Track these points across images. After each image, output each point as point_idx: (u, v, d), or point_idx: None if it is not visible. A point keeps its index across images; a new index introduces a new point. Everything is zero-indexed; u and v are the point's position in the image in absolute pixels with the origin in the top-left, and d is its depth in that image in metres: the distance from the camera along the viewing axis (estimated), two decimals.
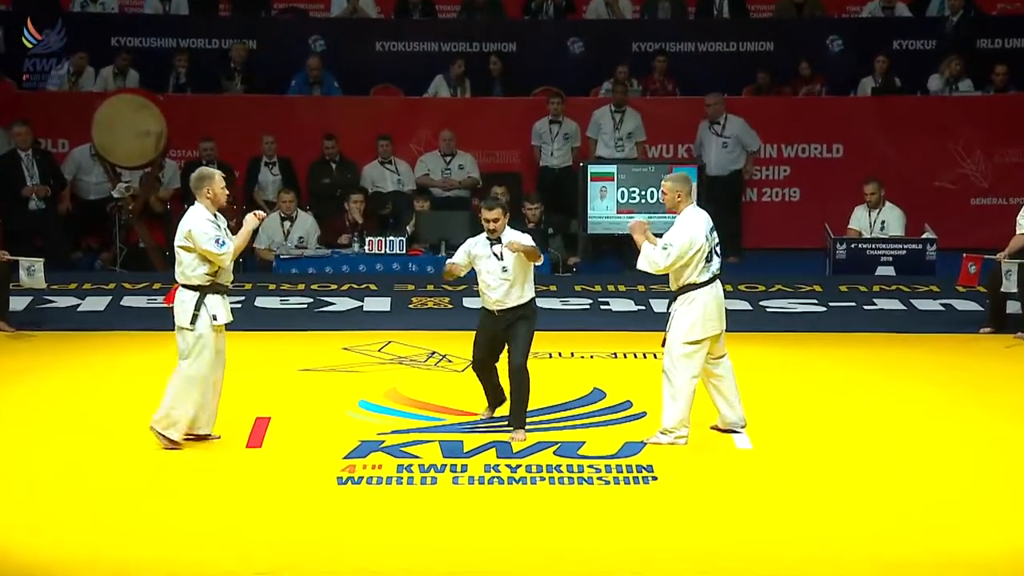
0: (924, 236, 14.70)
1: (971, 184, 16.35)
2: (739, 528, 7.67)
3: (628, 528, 7.69)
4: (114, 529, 7.62)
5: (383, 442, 9.00)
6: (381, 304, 13.23)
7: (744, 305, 13.13)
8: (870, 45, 17.03)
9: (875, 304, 13.27)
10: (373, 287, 13.88)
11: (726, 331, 9.03)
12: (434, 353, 11.30)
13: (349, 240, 14.68)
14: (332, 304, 13.20)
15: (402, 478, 8.38)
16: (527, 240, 9.11)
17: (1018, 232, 12.07)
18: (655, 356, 10.64)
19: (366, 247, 14.54)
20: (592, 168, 15.13)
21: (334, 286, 13.89)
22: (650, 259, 8.77)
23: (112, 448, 8.94)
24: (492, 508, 8.00)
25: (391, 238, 14.54)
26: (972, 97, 16.55)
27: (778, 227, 16.26)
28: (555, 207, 15.35)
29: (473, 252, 9.37)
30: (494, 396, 9.51)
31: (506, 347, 9.31)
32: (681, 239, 8.70)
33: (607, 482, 8.35)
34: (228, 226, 14.63)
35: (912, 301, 13.33)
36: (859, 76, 16.93)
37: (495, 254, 9.27)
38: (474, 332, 9.43)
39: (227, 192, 8.97)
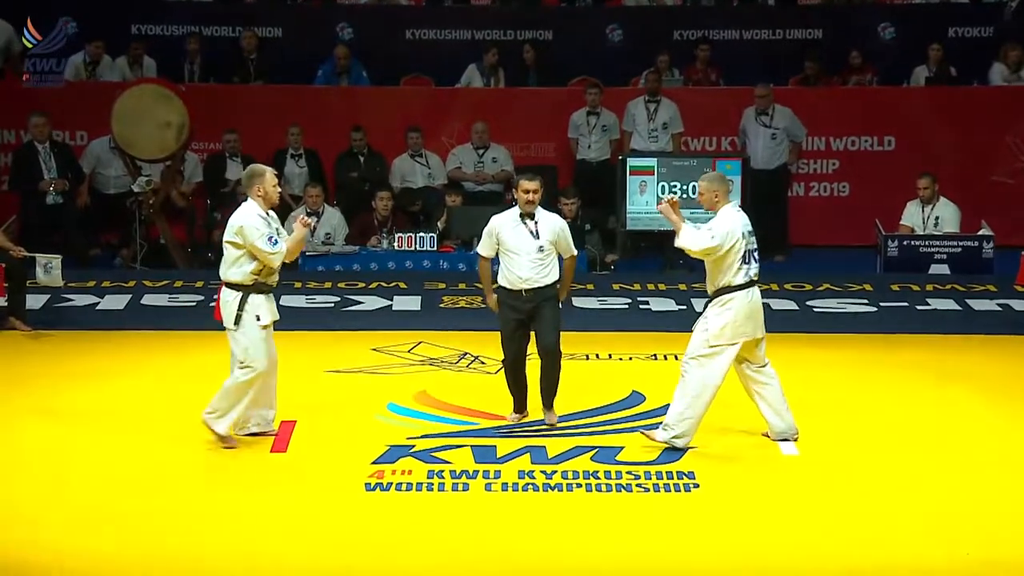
0: (981, 233, 14.63)
1: None
2: (784, 539, 7.66)
3: (668, 538, 7.69)
4: (132, 536, 7.66)
5: (413, 447, 9.03)
6: (411, 303, 13.26)
7: (791, 305, 13.10)
8: (924, 33, 16.97)
9: (928, 304, 13.21)
10: (403, 285, 13.91)
11: (768, 333, 9.01)
12: (466, 354, 11.33)
13: (378, 241, 14.71)
14: (360, 303, 13.23)
15: (433, 484, 8.40)
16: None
17: None
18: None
19: (395, 244, 14.58)
20: (631, 161, 15.12)
21: (362, 284, 13.92)
22: (694, 237, 8.76)
23: (131, 451, 8.99)
24: (526, 516, 8.01)
25: (421, 234, 14.57)
26: None
27: (826, 223, 16.21)
28: (592, 202, 15.36)
29: (501, 233, 9.38)
30: (522, 397, 9.55)
31: (534, 332, 9.37)
32: (722, 228, 8.73)
33: (646, 489, 8.35)
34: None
35: (968, 301, 13.26)
36: (912, 65, 16.86)
37: (531, 231, 9.31)
38: (499, 329, 9.45)
39: (279, 190, 9.02)
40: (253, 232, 8.79)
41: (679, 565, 7.37)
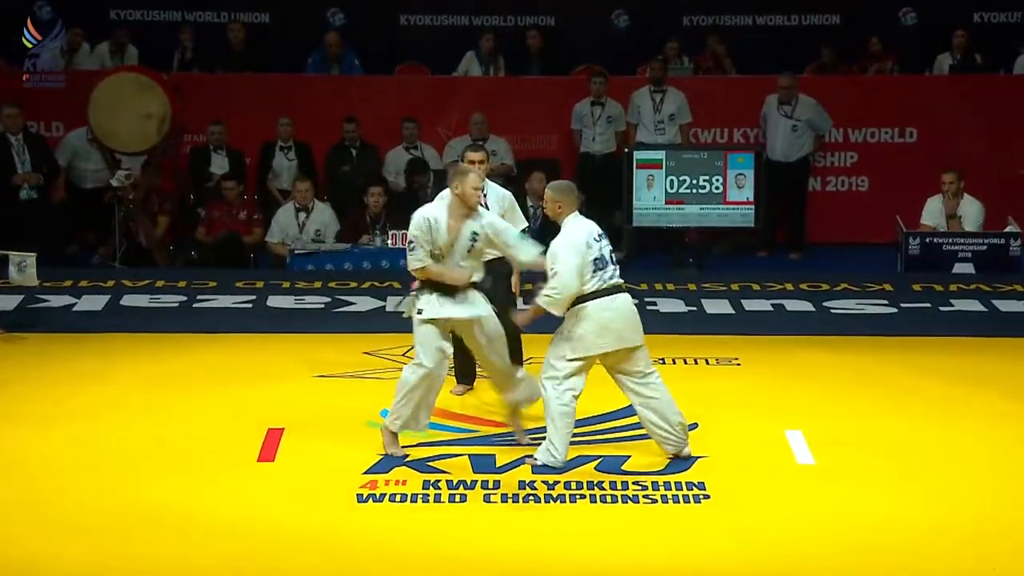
0: (1008, 230, 14.62)
1: None
2: (800, 553, 7.65)
3: (677, 552, 7.68)
4: (110, 547, 7.65)
5: (407, 455, 9.02)
6: (406, 304, 13.23)
7: (806, 306, 13.10)
8: (947, 18, 17.00)
9: (952, 305, 13.21)
10: (397, 285, 13.88)
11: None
12: None
13: (371, 238, 14.71)
14: (352, 304, 13.23)
15: (428, 495, 8.39)
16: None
17: None
18: (707, 362, 10.64)
19: (389, 241, 14.57)
20: (638, 155, 15.13)
21: (354, 284, 13.92)
22: (549, 301, 8.67)
23: (109, 459, 8.98)
24: (528, 528, 8.00)
25: None
26: None
27: (844, 220, 16.22)
28: (597, 197, 15.30)
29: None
30: (466, 365, 9.92)
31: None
32: (562, 264, 8.61)
33: (654, 500, 8.34)
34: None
35: (994, 302, 13.25)
36: (935, 53, 16.87)
37: (480, 203, 9.49)
38: None
39: (479, 194, 9.01)
40: (410, 233, 8.90)
41: None
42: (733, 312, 12.79)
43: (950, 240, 14.54)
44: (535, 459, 8.82)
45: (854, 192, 16.49)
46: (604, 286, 8.70)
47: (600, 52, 17.07)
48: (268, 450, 9.17)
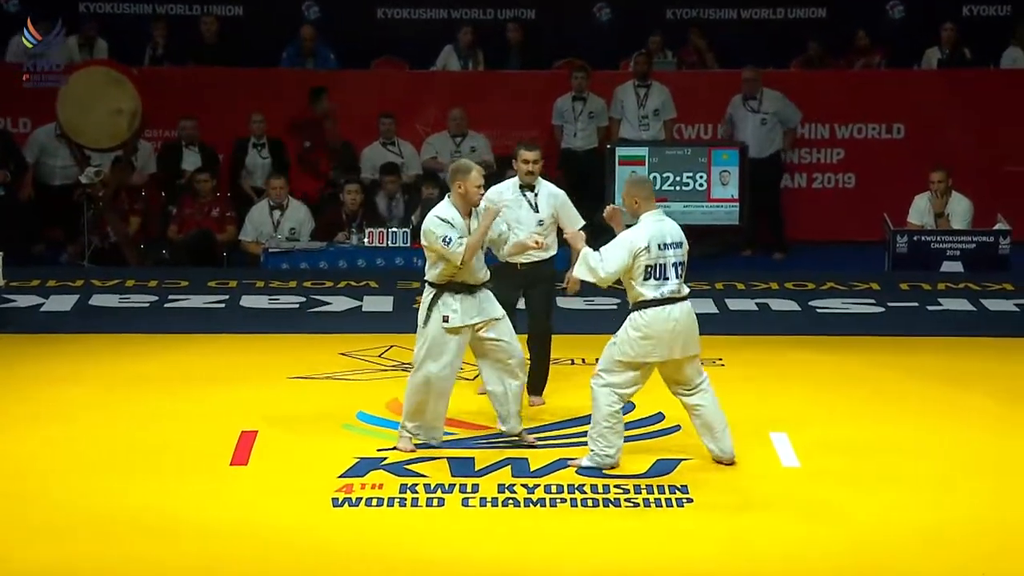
0: (996, 227, 14.67)
1: None
2: (784, 555, 7.67)
3: (660, 557, 7.69)
4: (77, 551, 7.64)
5: (384, 459, 9.02)
6: (382, 304, 13.25)
7: (792, 305, 13.13)
8: (936, 11, 17.04)
9: (940, 304, 13.25)
10: (373, 284, 13.91)
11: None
12: None
13: (346, 236, 14.71)
14: (327, 304, 13.22)
15: (405, 499, 8.40)
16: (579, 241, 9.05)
17: None
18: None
19: (366, 239, 14.57)
20: (620, 151, 15.15)
21: (329, 283, 13.91)
22: (585, 269, 8.78)
23: (77, 462, 8.97)
24: (507, 533, 8.01)
25: (394, 229, 14.56)
26: None
27: (830, 217, 16.26)
28: (579, 194, 15.25)
29: (501, 202, 9.57)
30: None
31: (527, 314, 9.67)
32: (615, 254, 8.66)
33: (636, 504, 8.35)
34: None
35: (983, 301, 13.30)
36: (923, 47, 16.92)
37: (530, 204, 9.55)
38: None
39: (482, 192, 9.06)
40: (430, 235, 8.91)
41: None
42: (717, 311, 12.82)
43: (938, 238, 14.59)
44: (579, 462, 8.80)
45: (841, 189, 16.52)
46: (661, 296, 8.68)
47: (582, 46, 17.08)
48: (241, 453, 9.17)
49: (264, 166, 15.69)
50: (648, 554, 7.71)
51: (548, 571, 7.55)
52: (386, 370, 11.10)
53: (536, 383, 9.92)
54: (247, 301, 13.27)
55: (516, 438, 9.22)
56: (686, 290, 8.80)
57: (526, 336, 9.89)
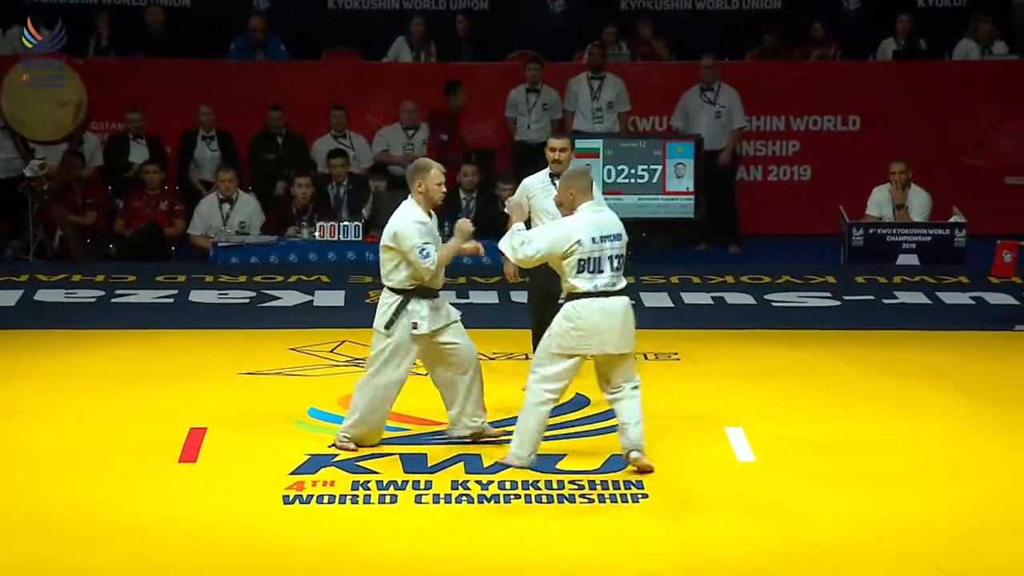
0: (952, 220, 14.77)
1: (1006, 161, 16.45)
2: (739, 551, 7.71)
3: (614, 552, 7.71)
4: (23, 550, 7.59)
5: (336, 456, 9.01)
6: (334, 298, 13.24)
7: (747, 299, 13.18)
8: (891, 3, 17.11)
9: (896, 297, 13.34)
10: (325, 279, 13.88)
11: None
12: None
13: (297, 230, 14.67)
14: (278, 298, 13.19)
15: (357, 496, 8.39)
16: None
17: None
18: (645, 357, 10.69)
19: (317, 233, 14.53)
20: (575, 143, 15.12)
21: (280, 278, 13.88)
22: (508, 243, 8.77)
23: (23, 460, 8.92)
24: (460, 529, 8.01)
25: (345, 223, 14.54)
26: (1007, 62, 16.64)
27: (786, 210, 16.34)
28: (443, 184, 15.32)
29: (532, 195, 9.63)
30: None
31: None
32: (543, 239, 8.64)
33: (591, 500, 8.37)
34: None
35: (938, 294, 13.39)
36: (879, 38, 17.01)
37: None
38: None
39: (443, 190, 8.99)
40: (406, 241, 8.80)
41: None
42: (672, 305, 12.86)
43: (894, 231, 14.68)
44: (502, 460, 8.79)
45: (796, 182, 16.60)
46: (595, 289, 8.63)
47: (535, 37, 17.08)
48: (190, 450, 9.13)
49: (213, 159, 15.63)
50: (603, 550, 7.73)
51: (502, 568, 7.56)
52: (338, 366, 11.08)
53: None
54: (196, 296, 13.22)
55: (469, 439, 9.18)
56: (623, 283, 8.72)
57: None
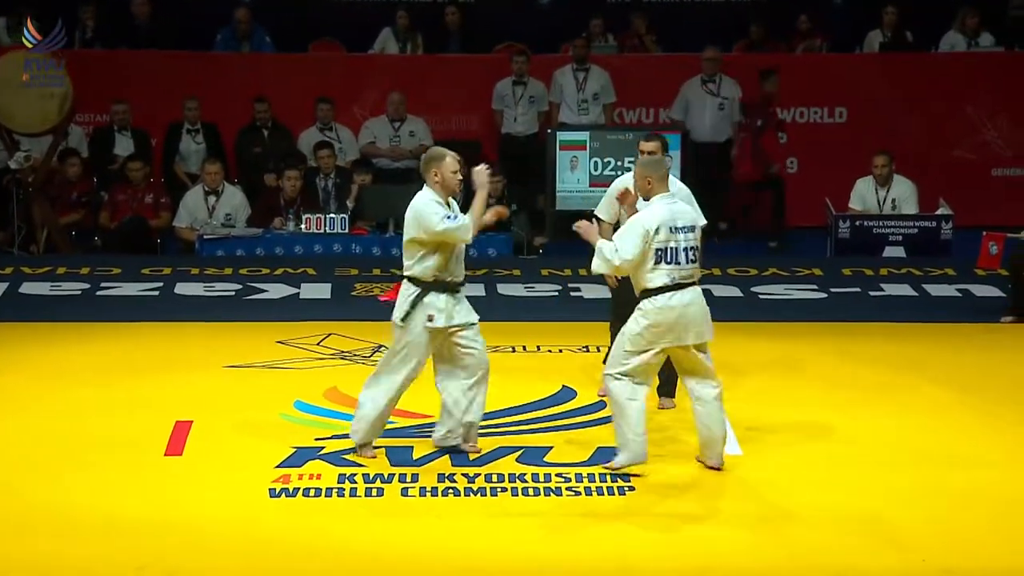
0: (939, 212, 14.80)
1: (992, 153, 16.51)
2: (726, 543, 7.71)
3: (601, 544, 7.71)
4: (6, 548, 7.58)
5: (322, 448, 9.00)
6: (320, 291, 13.23)
7: (734, 291, 13.19)
8: None
9: (882, 290, 13.36)
10: (311, 272, 13.87)
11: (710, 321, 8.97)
12: (381, 347, 11.27)
13: (283, 223, 14.66)
14: (264, 291, 13.18)
15: (344, 489, 8.38)
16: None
17: None
18: None
19: (303, 226, 14.52)
20: (561, 136, 15.16)
21: (266, 270, 13.87)
22: (599, 261, 8.65)
23: (7, 454, 8.89)
24: (447, 522, 8.01)
25: (331, 216, 14.53)
26: (994, 54, 16.67)
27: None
28: (519, 180, 15.39)
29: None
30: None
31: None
32: (629, 240, 8.53)
33: (577, 492, 8.38)
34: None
35: (925, 286, 13.42)
36: (865, 30, 17.03)
37: None
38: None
39: (459, 177, 8.78)
40: (432, 217, 8.56)
41: (614, 571, 7.41)
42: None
43: (881, 223, 14.70)
44: (612, 465, 8.63)
45: (783, 174, 16.59)
46: (672, 282, 8.54)
47: (522, 29, 17.08)
48: (176, 444, 9.12)
49: (198, 151, 15.62)
50: (591, 542, 7.73)
51: (490, 561, 7.56)
52: (324, 358, 11.07)
53: (665, 382, 9.65)
54: (182, 288, 13.20)
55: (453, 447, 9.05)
56: (698, 275, 8.68)
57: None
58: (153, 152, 15.63)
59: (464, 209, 8.78)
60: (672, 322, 8.53)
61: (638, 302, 8.62)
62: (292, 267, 13.99)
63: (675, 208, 8.63)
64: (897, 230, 14.68)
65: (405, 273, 8.83)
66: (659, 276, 8.52)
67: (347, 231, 14.55)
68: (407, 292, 8.79)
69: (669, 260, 8.52)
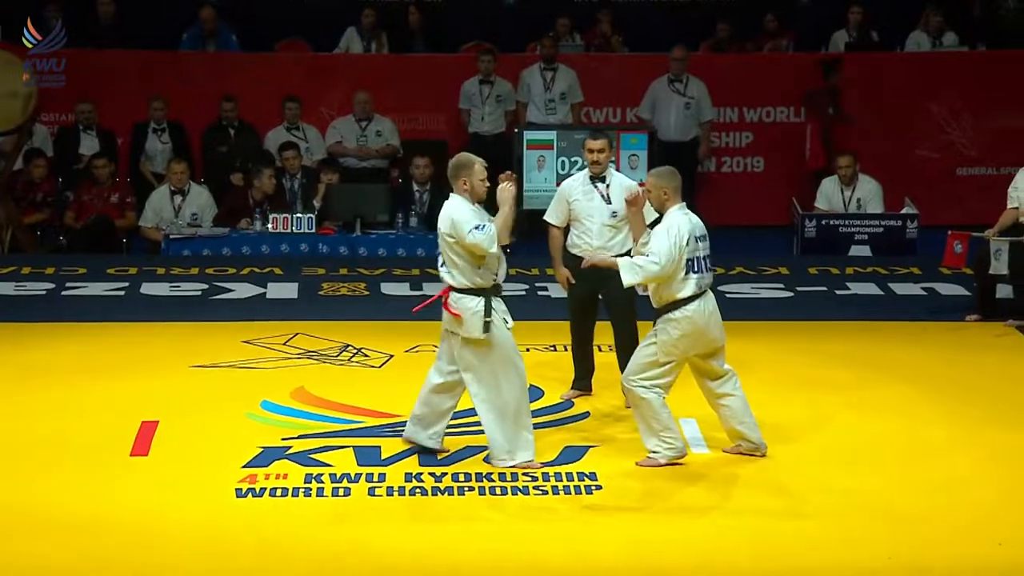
0: (904, 211, 14.86)
1: (957, 152, 16.56)
2: (693, 543, 7.73)
3: (569, 543, 7.72)
4: None
5: (289, 448, 8.98)
6: (287, 291, 13.20)
7: None
8: None
9: (848, 288, 13.40)
10: (278, 271, 13.84)
11: None
12: (348, 347, 11.30)
13: (249, 223, 14.62)
14: (230, 291, 13.14)
15: (311, 489, 8.37)
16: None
17: (1009, 206, 12.22)
18: (600, 348, 10.68)
19: (269, 225, 14.48)
20: (528, 135, 15.17)
21: (232, 270, 13.83)
22: (637, 273, 8.61)
23: None
24: (414, 522, 8.00)
25: (298, 215, 14.50)
26: (958, 53, 16.75)
27: (739, 201, 16.38)
28: (487, 179, 15.33)
29: (571, 198, 9.57)
30: (582, 368, 9.89)
31: (612, 315, 9.73)
32: (664, 247, 8.56)
33: (544, 492, 8.38)
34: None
35: (890, 285, 13.47)
36: (831, 30, 17.08)
37: (602, 196, 9.49)
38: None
39: (487, 184, 8.70)
40: (464, 226, 8.45)
41: (580, 570, 7.41)
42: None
43: (846, 222, 14.76)
44: (652, 459, 8.68)
45: (749, 173, 16.66)
46: (699, 291, 8.67)
47: (488, 28, 17.08)
48: (142, 444, 9.09)
49: (164, 151, 15.57)
50: (558, 541, 7.74)
51: (455, 560, 7.55)
52: (291, 358, 11.05)
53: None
54: (147, 288, 13.16)
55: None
56: (711, 280, 8.84)
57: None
58: (119, 152, 15.57)
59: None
60: (703, 329, 8.68)
61: (658, 314, 8.67)
62: (259, 267, 13.95)
63: (693, 217, 8.81)
64: (863, 229, 14.73)
65: (459, 285, 8.58)
66: (689, 286, 8.64)
67: (314, 231, 14.52)
68: (472, 304, 8.55)
69: (696, 269, 8.67)
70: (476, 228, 8.46)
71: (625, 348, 9.63)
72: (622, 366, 9.63)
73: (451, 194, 8.70)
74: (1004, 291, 12.30)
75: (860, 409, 9.92)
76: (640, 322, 9.50)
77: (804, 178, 15.43)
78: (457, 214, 8.54)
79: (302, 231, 14.49)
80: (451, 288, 8.60)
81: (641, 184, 9.32)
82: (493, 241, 8.51)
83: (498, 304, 8.67)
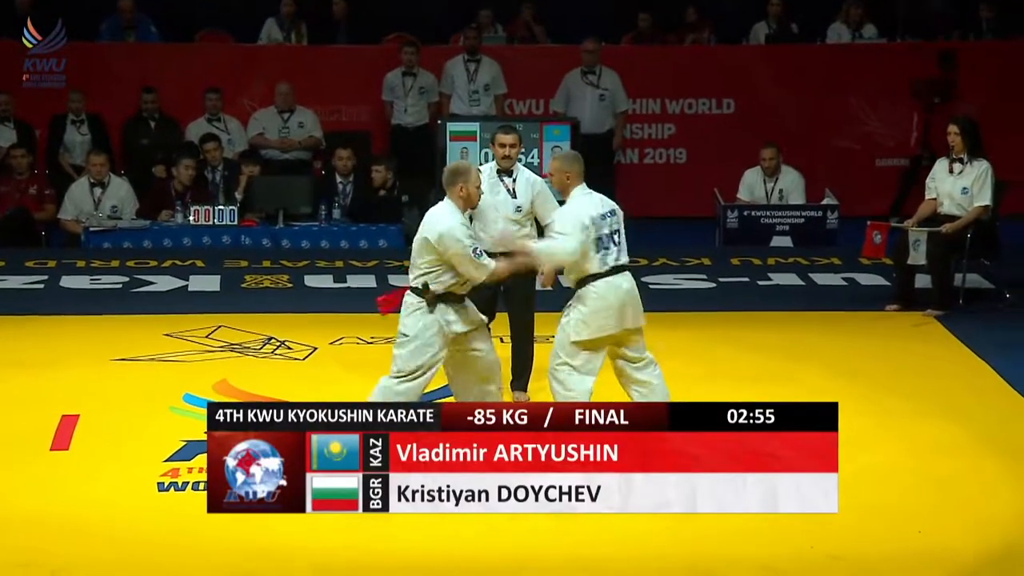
0: (824, 202, 14.98)
1: (875, 143, 16.70)
2: (612, 532, 7.74)
3: (545, 534, 7.71)
4: None
5: None
6: (209, 283, 13.12)
7: None
8: None
9: (770, 279, 13.49)
10: (200, 263, 13.75)
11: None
12: (271, 339, 11.25)
13: (171, 215, 14.52)
14: (151, 284, 13.05)
15: None
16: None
17: (927, 197, 12.36)
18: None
19: (191, 217, 14.39)
20: (451, 126, 15.13)
21: (154, 263, 13.73)
22: (550, 252, 8.61)
23: None
24: (347, 517, 7.94)
25: (220, 207, 14.41)
26: (877, 45, 16.90)
27: (661, 193, 16.45)
28: (410, 171, 15.34)
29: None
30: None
31: (510, 304, 9.62)
32: (568, 224, 8.57)
33: None
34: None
35: (811, 275, 13.58)
36: (752, 22, 17.19)
37: (507, 188, 9.40)
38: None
39: (482, 192, 8.68)
40: (456, 244, 8.35)
41: (561, 561, 7.44)
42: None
43: (768, 213, 14.86)
44: None
45: (671, 165, 16.73)
46: (606, 268, 8.65)
47: (411, 20, 17.04)
48: (62, 438, 9.01)
49: (83, 143, 15.43)
50: (536, 535, 7.69)
51: (394, 557, 7.52)
52: (213, 351, 10.98)
53: (519, 378, 9.73)
54: (67, 281, 13.04)
55: None
56: (626, 258, 8.80)
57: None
58: (37, 143, 15.40)
59: None
60: (615, 305, 8.65)
61: (572, 293, 8.67)
62: (180, 259, 13.85)
63: (596, 196, 8.81)
64: (784, 220, 14.85)
65: (414, 284, 8.53)
66: (594, 264, 8.64)
67: (236, 223, 14.44)
68: (416, 303, 8.51)
69: (603, 246, 8.67)
70: (475, 253, 8.41)
71: (520, 358, 9.71)
72: (515, 365, 9.69)
73: (440, 201, 8.59)
74: (923, 281, 12.42)
75: (782, 398, 9.93)
76: (550, 313, 9.47)
77: (727, 169, 15.50)
78: (452, 231, 8.37)
79: (224, 223, 14.41)
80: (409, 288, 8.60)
81: (545, 176, 9.35)
82: (485, 272, 8.50)
83: (447, 309, 8.51)
